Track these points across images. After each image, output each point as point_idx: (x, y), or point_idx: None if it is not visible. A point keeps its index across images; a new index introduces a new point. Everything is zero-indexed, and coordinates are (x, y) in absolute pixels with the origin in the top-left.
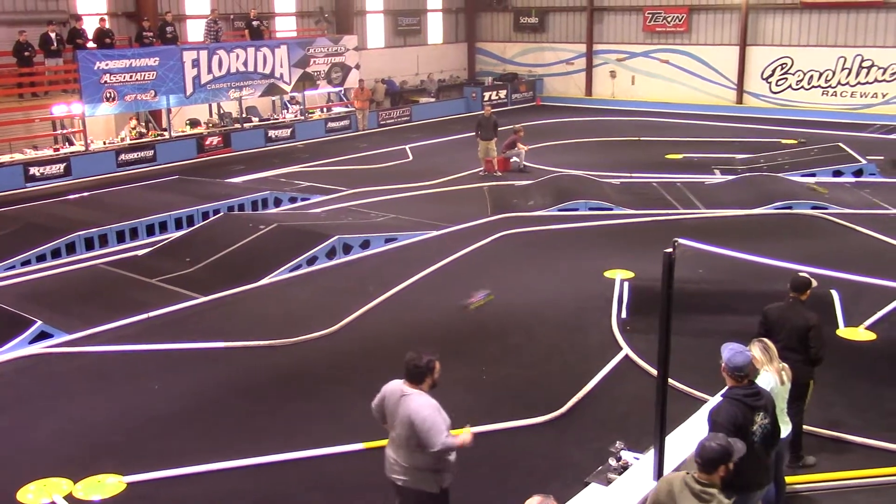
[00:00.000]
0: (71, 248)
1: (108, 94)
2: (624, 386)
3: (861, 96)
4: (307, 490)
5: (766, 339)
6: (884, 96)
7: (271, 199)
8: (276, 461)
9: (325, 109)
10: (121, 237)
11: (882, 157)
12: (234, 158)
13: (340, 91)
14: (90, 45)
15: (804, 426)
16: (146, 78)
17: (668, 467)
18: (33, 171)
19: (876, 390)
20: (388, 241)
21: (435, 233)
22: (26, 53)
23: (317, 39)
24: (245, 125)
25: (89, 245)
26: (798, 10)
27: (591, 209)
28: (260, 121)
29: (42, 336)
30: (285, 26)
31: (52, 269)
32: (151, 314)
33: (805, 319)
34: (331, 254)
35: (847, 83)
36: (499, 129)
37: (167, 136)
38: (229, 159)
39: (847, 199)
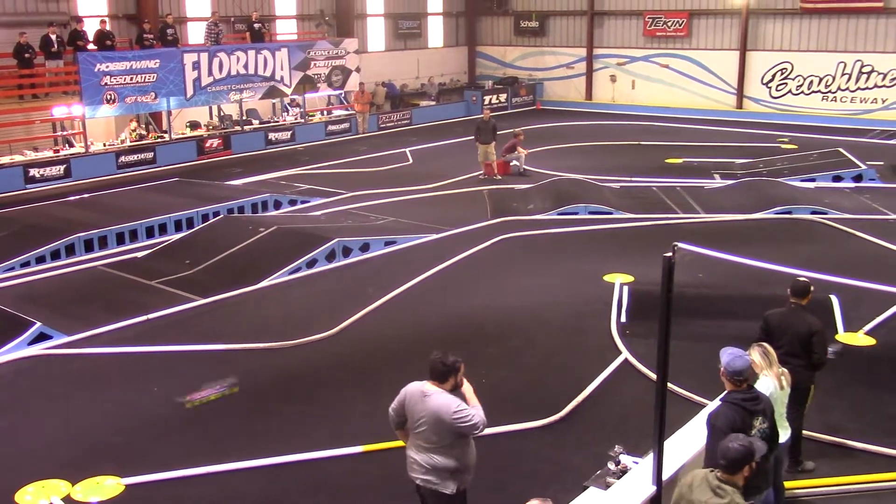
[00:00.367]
0: (70, 250)
1: (108, 96)
2: (623, 390)
3: (861, 101)
4: (307, 492)
5: (765, 344)
6: (883, 101)
7: (271, 202)
8: (276, 463)
9: (325, 112)
10: (120, 239)
11: (882, 163)
12: (234, 161)
13: (341, 94)
14: (91, 46)
15: (803, 431)
16: (146, 80)
17: (668, 471)
18: (33, 172)
19: (875, 395)
20: (387, 244)
21: (434, 236)
22: (27, 55)
23: (317, 42)
24: (245, 128)
25: (89, 247)
26: (798, 15)
27: (590, 213)
28: (260, 123)
29: (41, 337)
30: (286, 29)
31: (52, 271)
32: (151, 316)
33: (808, 325)
34: (330, 256)
35: (847, 88)
36: (498, 132)
37: (167, 139)
38: (229, 162)
39: (846, 204)
